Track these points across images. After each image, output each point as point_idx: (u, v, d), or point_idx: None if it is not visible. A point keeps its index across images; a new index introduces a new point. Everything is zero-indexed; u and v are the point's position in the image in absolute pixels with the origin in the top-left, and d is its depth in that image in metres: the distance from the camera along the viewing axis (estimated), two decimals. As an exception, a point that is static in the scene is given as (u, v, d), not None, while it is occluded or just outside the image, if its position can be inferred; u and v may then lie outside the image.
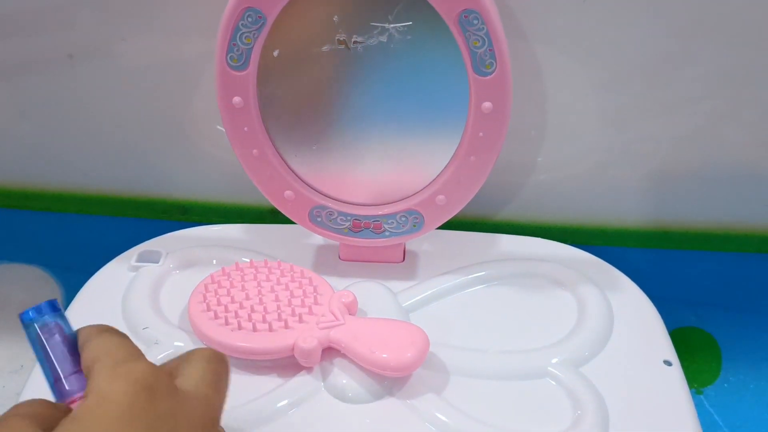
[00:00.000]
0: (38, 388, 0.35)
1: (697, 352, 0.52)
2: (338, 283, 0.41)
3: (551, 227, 0.51)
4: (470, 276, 0.43)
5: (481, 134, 0.37)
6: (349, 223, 0.41)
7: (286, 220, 0.46)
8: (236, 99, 0.37)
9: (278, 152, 0.39)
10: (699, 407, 0.44)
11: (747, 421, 0.52)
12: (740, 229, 0.50)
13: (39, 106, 0.50)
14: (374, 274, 0.43)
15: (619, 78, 0.45)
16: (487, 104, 0.36)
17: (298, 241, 0.46)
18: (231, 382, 0.35)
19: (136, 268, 0.43)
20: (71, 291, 0.53)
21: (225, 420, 0.34)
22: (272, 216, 0.51)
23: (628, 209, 0.51)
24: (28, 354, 0.59)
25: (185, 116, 0.49)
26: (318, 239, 0.46)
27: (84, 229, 0.55)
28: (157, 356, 0.37)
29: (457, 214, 0.49)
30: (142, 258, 0.43)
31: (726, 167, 0.49)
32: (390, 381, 0.36)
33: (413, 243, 0.45)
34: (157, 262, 0.43)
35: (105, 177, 0.52)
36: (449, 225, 0.47)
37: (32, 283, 0.58)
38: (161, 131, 0.50)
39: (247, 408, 0.35)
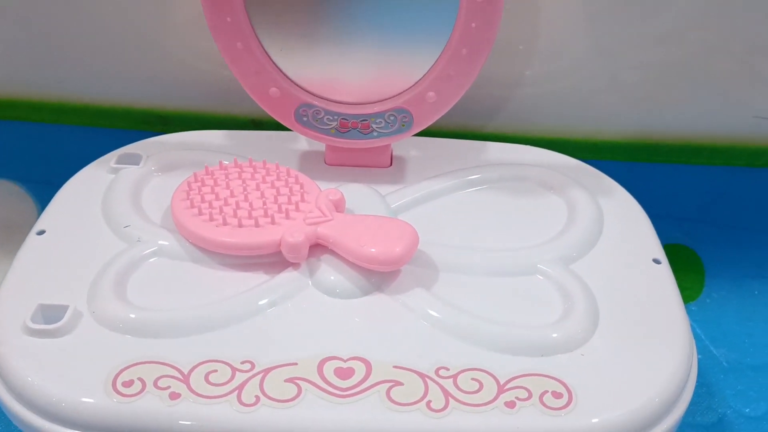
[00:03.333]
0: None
1: (681, 268, 0.52)
2: (324, 187, 0.39)
3: (538, 140, 0.50)
4: (459, 179, 0.42)
5: (473, 25, 0.36)
6: (336, 122, 0.40)
7: (269, 130, 0.45)
8: (219, -15, 0.36)
9: (263, 47, 0.38)
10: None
11: (728, 335, 0.52)
12: (729, 141, 0.49)
13: (13, 11, 0.48)
14: (361, 179, 0.42)
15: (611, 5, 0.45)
16: (480, -9, 0.35)
17: (282, 146, 0.45)
18: (216, 279, 0.35)
19: (115, 170, 0.41)
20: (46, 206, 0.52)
21: (209, 313, 0.33)
22: (254, 126, 0.50)
23: (615, 122, 0.50)
24: (4, 267, 0.57)
25: (165, 23, 0.47)
26: (303, 144, 0.45)
27: (60, 141, 0.53)
28: (142, 253, 0.36)
29: (445, 126, 0.48)
30: (122, 160, 0.42)
31: (715, 79, 0.48)
32: (379, 276, 0.35)
33: (401, 149, 0.45)
34: (138, 164, 0.42)
35: (82, 85, 0.50)
36: (437, 135, 0.47)
37: (6, 199, 0.57)
38: (140, 38, 0.48)
39: (231, 302, 0.34)
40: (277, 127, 0.43)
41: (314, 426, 0.30)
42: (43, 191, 0.58)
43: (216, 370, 0.31)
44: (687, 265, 0.55)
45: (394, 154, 0.44)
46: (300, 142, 0.45)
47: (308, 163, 0.43)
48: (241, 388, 0.31)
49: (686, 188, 0.53)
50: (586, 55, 0.48)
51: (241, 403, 0.30)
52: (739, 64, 0.48)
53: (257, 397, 0.30)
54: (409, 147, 0.45)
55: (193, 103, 0.50)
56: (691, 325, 0.52)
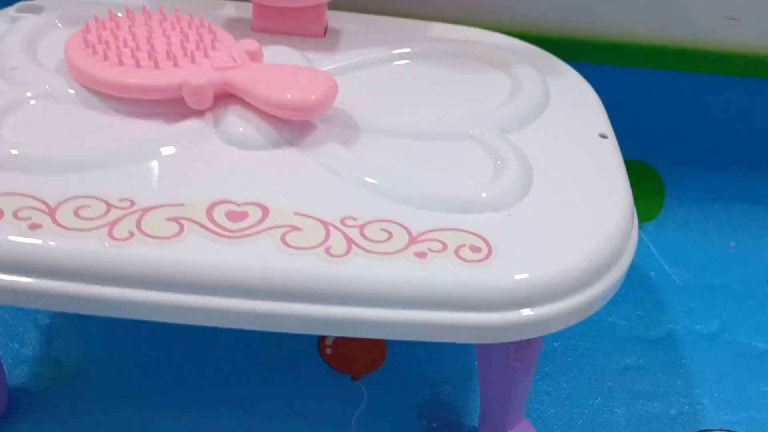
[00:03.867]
0: None
1: (639, 187, 0.49)
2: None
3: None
4: (396, 51, 0.38)
5: None
6: (259, -28, 0.36)
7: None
8: None
9: None
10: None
11: (684, 256, 0.49)
12: (696, 44, 0.46)
13: None
14: (290, 46, 0.38)
15: None
16: None
17: (205, 12, 0.40)
18: (107, 124, 0.31)
19: (14, 19, 0.37)
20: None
21: (91, 152, 0.29)
22: None
23: (574, 19, 0.47)
24: None
25: None
26: (229, 11, 0.41)
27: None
28: (25, 94, 0.32)
29: (395, 13, 0.45)
30: (23, 9, 0.38)
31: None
32: (292, 130, 0.31)
33: (337, 21, 0.41)
34: (39, 14, 0.38)
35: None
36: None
37: None
38: None
39: (119, 144, 0.30)
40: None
41: (193, 264, 0.26)
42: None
43: (88, 206, 0.27)
44: (645, 183, 0.51)
45: (330, 26, 0.40)
46: (227, 8, 0.41)
47: (233, 30, 0.39)
48: (114, 223, 0.27)
49: (647, 97, 0.49)
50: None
51: (111, 237, 0.26)
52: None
53: (131, 233, 0.26)
54: (347, 21, 0.41)
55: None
56: (647, 245, 0.50)
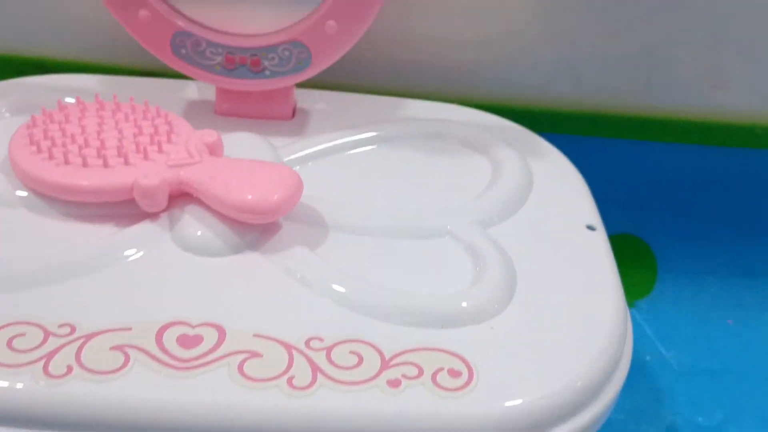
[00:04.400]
0: None
1: (629, 261, 0.47)
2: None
3: (469, 105, 0.45)
4: (368, 134, 0.36)
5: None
6: (221, 57, 0.34)
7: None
8: None
9: (130, -43, 0.32)
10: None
11: (681, 336, 0.46)
12: (682, 115, 0.44)
13: None
14: (255, 131, 0.35)
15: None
16: None
17: (168, 95, 0.38)
18: (51, 229, 0.28)
19: (-42, 110, 0.35)
20: None
21: (26, 267, 0.26)
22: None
23: (557, 91, 0.45)
24: None
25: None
26: (191, 93, 0.39)
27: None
28: (-40, 197, 0.30)
29: (365, 87, 0.43)
30: (-33, 98, 0.36)
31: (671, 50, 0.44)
32: (253, 233, 0.29)
33: (305, 101, 0.38)
34: (-12, 103, 0.36)
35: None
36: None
37: None
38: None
39: (60, 255, 0.27)
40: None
41: (136, 404, 0.23)
42: None
43: (24, 334, 0.24)
44: (636, 257, 0.49)
45: (298, 106, 0.38)
46: (189, 89, 0.39)
47: (195, 113, 0.37)
48: (51, 355, 0.24)
49: (635, 168, 0.47)
50: (531, 23, 0.43)
51: (46, 373, 0.23)
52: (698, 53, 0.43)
53: (69, 367, 0.24)
54: (316, 100, 0.39)
55: (73, 51, 0.43)
56: (641, 325, 0.47)
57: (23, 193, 0.30)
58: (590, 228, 0.32)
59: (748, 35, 0.43)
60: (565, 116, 0.44)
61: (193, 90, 0.39)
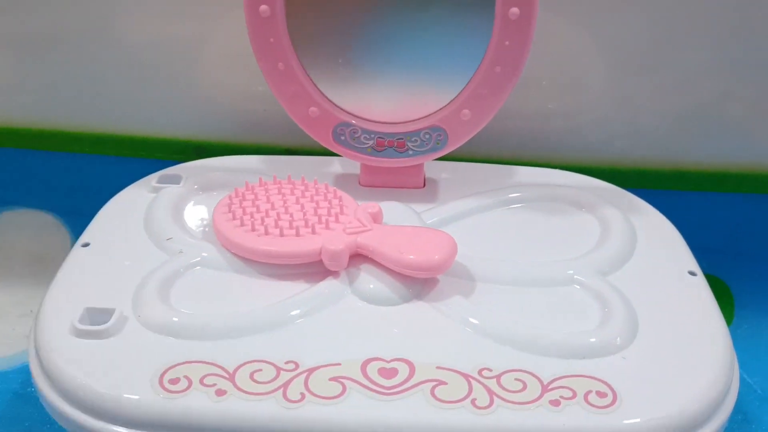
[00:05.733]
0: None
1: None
2: (361, 205, 0.40)
3: (564, 167, 0.51)
4: (491, 199, 0.43)
5: (507, 43, 0.37)
6: (372, 141, 0.41)
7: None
8: (263, 7, 0.37)
9: (303, 66, 0.39)
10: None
11: (762, 366, 0.52)
12: (755, 169, 0.50)
13: (56, 47, 0.50)
14: (395, 199, 0.42)
15: (631, 59, 0.47)
16: (513, 10, 0.36)
17: (317, 170, 0.46)
18: (257, 287, 0.35)
19: (157, 189, 0.43)
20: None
21: (251, 318, 0.34)
22: (288, 155, 0.52)
23: (638, 152, 0.51)
24: (35, 299, 0.58)
25: (199, 60, 0.49)
26: (337, 168, 0.46)
27: (96, 172, 0.54)
28: (185, 263, 0.37)
29: (476, 155, 0.50)
30: (163, 180, 0.43)
31: (740, 108, 0.50)
32: (417, 285, 0.36)
33: (433, 171, 0.46)
34: (178, 184, 0.43)
35: (120, 117, 0.52)
36: (469, 161, 0.48)
37: (41, 230, 0.58)
38: (175, 73, 0.50)
39: (273, 308, 0.34)
40: (310, 155, 0.45)
41: (360, 422, 0.30)
42: (78, 222, 0.59)
43: (261, 370, 0.32)
44: (716, 295, 0.55)
45: (426, 176, 0.45)
46: (334, 165, 0.46)
47: (343, 185, 0.44)
48: (286, 386, 0.31)
49: (713, 217, 0.53)
50: (604, 92, 0.50)
51: (286, 399, 0.30)
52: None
53: (302, 395, 0.30)
54: (441, 170, 0.46)
55: (227, 134, 0.51)
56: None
57: (231, 258, 0.37)
58: (692, 274, 0.38)
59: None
60: (650, 174, 0.51)
61: (336, 165, 0.46)
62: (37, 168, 0.55)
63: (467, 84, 0.39)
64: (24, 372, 0.53)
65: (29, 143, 0.54)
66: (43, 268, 0.58)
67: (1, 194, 0.57)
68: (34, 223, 0.58)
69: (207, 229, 0.40)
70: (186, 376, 0.31)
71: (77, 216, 0.59)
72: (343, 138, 0.41)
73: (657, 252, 0.39)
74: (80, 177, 0.55)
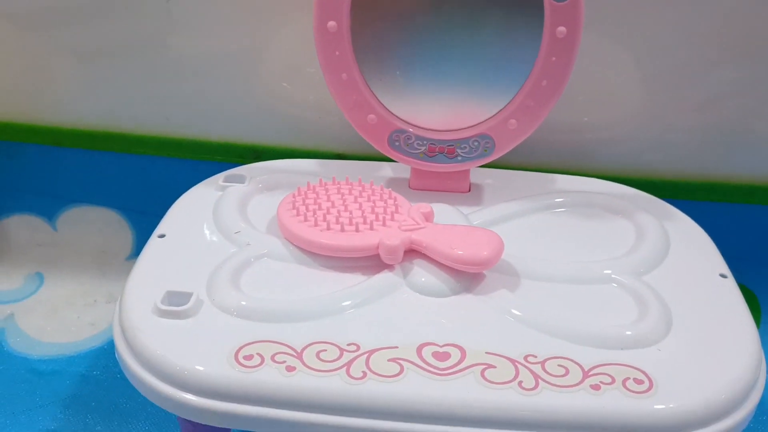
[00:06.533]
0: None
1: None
2: (411, 206, 0.43)
3: (599, 177, 0.54)
4: (533, 203, 0.46)
5: (553, 59, 0.40)
6: (424, 147, 0.44)
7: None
8: (331, 23, 0.41)
9: (364, 77, 0.43)
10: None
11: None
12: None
13: (127, 56, 0.54)
14: (443, 202, 0.45)
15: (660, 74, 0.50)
16: (561, 29, 0.39)
17: (369, 174, 0.49)
18: (318, 278, 0.38)
19: (223, 188, 0.46)
20: (143, 235, 0.56)
21: (314, 304, 0.37)
22: (339, 159, 0.55)
23: (669, 163, 0.54)
24: (100, 289, 0.62)
25: (257, 70, 0.53)
26: (388, 171, 0.49)
27: (160, 172, 0.58)
28: (253, 254, 0.40)
29: (512, 165, 0.53)
30: (229, 179, 0.47)
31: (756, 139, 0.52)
32: (466, 279, 0.39)
33: (478, 177, 0.49)
34: (243, 183, 0.47)
35: (183, 122, 0.56)
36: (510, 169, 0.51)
37: (107, 227, 0.62)
38: (236, 82, 0.54)
39: (333, 296, 0.37)
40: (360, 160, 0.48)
41: (417, 399, 0.33)
42: (140, 220, 0.63)
43: (325, 350, 0.35)
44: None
45: (472, 182, 0.48)
46: (384, 169, 0.49)
47: (394, 188, 0.47)
48: (349, 364, 0.34)
49: (741, 228, 0.56)
50: (636, 107, 0.53)
51: (350, 376, 0.33)
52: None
53: (364, 372, 0.34)
54: (485, 177, 0.49)
55: (282, 139, 0.55)
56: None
57: (294, 250, 0.40)
58: (722, 276, 0.40)
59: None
60: (679, 185, 0.53)
61: (387, 169, 0.49)
62: (104, 168, 0.60)
63: (515, 96, 0.42)
64: (89, 356, 0.56)
65: (98, 145, 0.58)
66: (106, 262, 0.62)
67: (71, 192, 0.61)
68: (100, 220, 0.62)
69: (271, 224, 0.43)
70: (258, 353, 0.34)
71: (140, 214, 0.63)
72: (397, 144, 0.44)
73: (689, 255, 0.42)
74: (144, 177, 0.59)
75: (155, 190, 0.59)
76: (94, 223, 0.60)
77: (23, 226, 0.61)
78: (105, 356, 0.55)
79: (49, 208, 0.61)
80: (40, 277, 0.60)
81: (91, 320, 0.57)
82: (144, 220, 0.61)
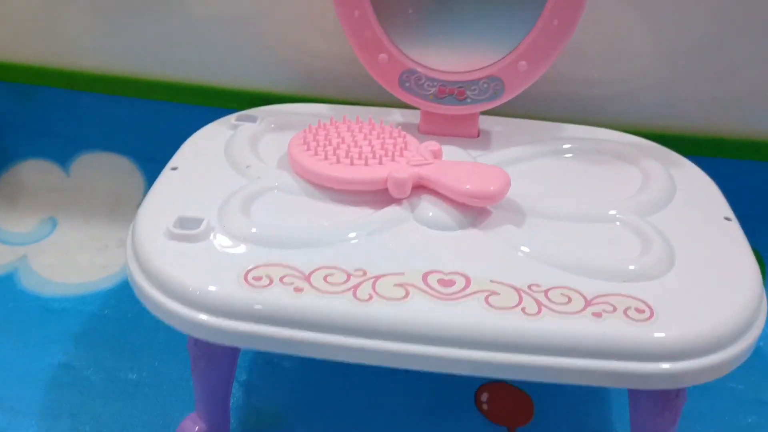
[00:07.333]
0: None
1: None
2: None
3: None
4: (541, 148, 0.46)
5: (565, -2, 0.41)
6: (435, 89, 0.45)
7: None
8: (344, -40, 0.41)
9: (376, 15, 0.43)
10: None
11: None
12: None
13: (140, 5, 0.55)
14: (453, 145, 0.46)
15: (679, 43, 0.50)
16: (573, -33, 0.40)
17: (379, 117, 0.49)
18: (328, 210, 0.39)
19: (235, 127, 0.47)
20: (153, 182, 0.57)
21: (323, 232, 0.37)
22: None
23: (676, 118, 0.54)
24: (111, 234, 0.63)
25: (268, 18, 0.54)
26: (398, 117, 0.50)
27: (172, 119, 0.59)
28: (263, 186, 0.41)
29: (521, 115, 0.53)
30: (241, 119, 0.47)
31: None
32: (473, 214, 0.39)
33: (487, 125, 0.49)
34: (255, 122, 0.47)
35: (195, 68, 0.56)
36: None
37: (117, 172, 0.62)
38: (248, 31, 0.54)
39: (341, 225, 0.38)
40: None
41: (422, 321, 0.33)
42: (151, 166, 0.64)
43: (333, 274, 0.35)
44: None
45: (481, 128, 0.48)
46: (394, 114, 0.50)
47: (404, 131, 0.48)
48: (356, 287, 0.35)
49: (748, 186, 0.56)
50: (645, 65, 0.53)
51: (356, 298, 0.34)
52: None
53: (370, 295, 0.34)
54: (495, 124, 0.49)
55: (292, 87, 0.55)
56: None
57: (304, 184, 0.41)
58: (727, 219, 0.41)
59: None
60: (686, 139, 0.54)
61: (397, 115, 0.50)
62: (116, 113, 0.60)
63: (525, 37, 0.42)
64: (100, 296, 0.57)
65: (111, 89, 0.58)
66: (118, 208, 0.62)
67: (83, 137, 0.61)
68: (112, 166, 0.62)
69: (281, 161, 0.44)
70: (267, 275, 0.35)
71: (151, 161, 0.63)
72: (408, 85, 0.44)
73: (694, 199, 0.42)
74: (156, 123, 0.59)
75: (168, 136, 0.59)
76: (106, 169, 0.61)
77: (37, 170, 0.62)
78: (116, 297, 0.56)
79: (62, 153, 0.62)
80: (53, 222, 0.61)
81: (102, 263, 0.58)
82: (156, 168, 0.61)
